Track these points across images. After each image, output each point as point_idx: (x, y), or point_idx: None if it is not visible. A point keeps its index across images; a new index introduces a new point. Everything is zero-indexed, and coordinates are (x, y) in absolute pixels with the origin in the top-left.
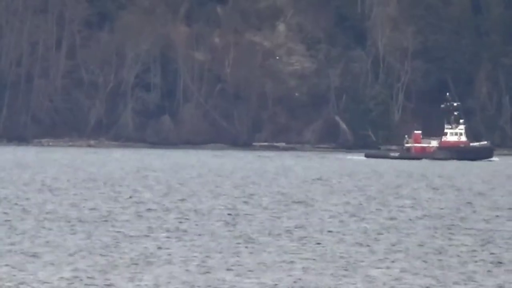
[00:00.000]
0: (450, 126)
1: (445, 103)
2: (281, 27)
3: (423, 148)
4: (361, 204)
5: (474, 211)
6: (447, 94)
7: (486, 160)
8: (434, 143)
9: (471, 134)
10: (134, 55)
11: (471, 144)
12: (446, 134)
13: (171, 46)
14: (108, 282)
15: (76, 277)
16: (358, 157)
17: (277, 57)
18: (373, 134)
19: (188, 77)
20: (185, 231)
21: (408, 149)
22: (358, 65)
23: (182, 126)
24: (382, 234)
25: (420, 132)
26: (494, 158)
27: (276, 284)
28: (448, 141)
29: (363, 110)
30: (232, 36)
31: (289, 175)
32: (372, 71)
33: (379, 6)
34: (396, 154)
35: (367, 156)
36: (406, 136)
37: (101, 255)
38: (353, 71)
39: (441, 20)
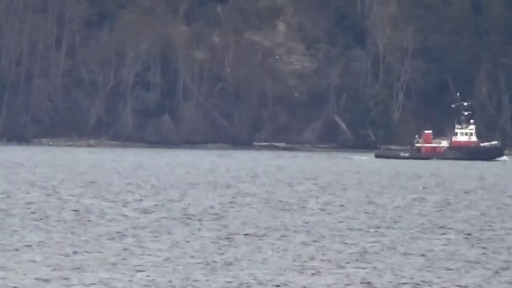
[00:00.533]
0: (460, 126)
1: (455, 103)
2: (281, 26)
3: (433, 148)
4: (348, 203)
5: (458, 211)
6: (457, 94)
7: (495, 159)
8: (444, 143)
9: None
10: (134, 55)
11: (481, 144)
12: (456, 134)
13: (171, 45)
14: (87, 281)
15: (55, 276)
16: (367, 157)
17: (277, 57)
18: (372, 133)
19: (188, 77)
20: (169, 231)
21: (418, 149)
22: (358, 65)
23: (182, 126)
24: (364, 232)
25: (430, 132)
26: (504, 158)
27: (251, 281)
28: (459, 141)
29: (363, 109)
30: (232, 35)
31: (282, 175)
32: (372, 71)
33: (379, 5)
34: (406, 154)
35: (377, 156)
36: (416, 136)
37: (81, 253)
38: (353, 70)
39: (441, 20)
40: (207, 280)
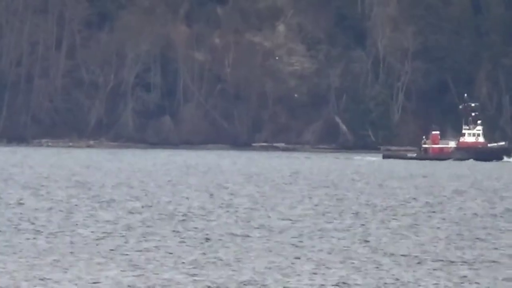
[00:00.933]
0: (468, 127)
1: (463, 104)
2: (281, 27)
3: (441, 148)
4: (338, 203)
5: (447, 211)
6: (465, 95)
7: (502, 160)
8: (452, 144)
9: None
10: (134, 55)
11: (489, 144)
12: (464, 134)
13: (171, 46)
14: (73, 282)
15: (40, 276)
16: (375, 158)
17: (277, 57)
18: (373, 134)
19: (188, 77)
20: (156, 232)
21: (426, 149)
22: (358, 65)
23: (182, 126)
24: (351, 233)
25: (438, 132)
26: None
27: (235, 282)
28: (466, 142)
29: (363, 110)
30: (232, 36)
31: (277, 175)
32: (372, 71)
33: (379, 6)
34: (414, 155)
35: (384, 157)
36: (424, 137)
37: (67, 254)
38: (353, 71)
39: (441, 20)
40: (192, 280)
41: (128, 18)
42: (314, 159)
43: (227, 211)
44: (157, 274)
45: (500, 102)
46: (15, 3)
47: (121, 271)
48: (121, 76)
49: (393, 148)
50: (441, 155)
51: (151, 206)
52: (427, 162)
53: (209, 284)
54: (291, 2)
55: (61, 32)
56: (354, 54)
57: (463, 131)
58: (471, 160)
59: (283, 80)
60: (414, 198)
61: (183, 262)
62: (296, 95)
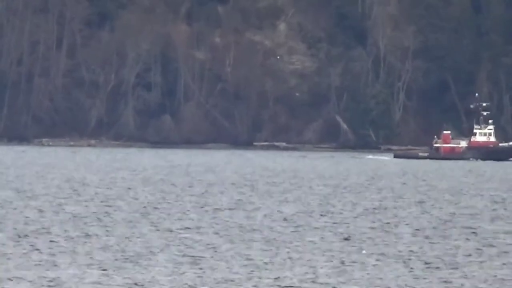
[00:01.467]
0: (479, 127)
1: (474, 104)
2: (282, 26)
3: (452, 148)
4: (322, 202)
5: (430, 210)
6: (476, 94)
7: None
8: (463, 144)
9: (471, 134)
10: (134, 55)
11: (500, 144)
12: (475, 134)
13: (171, 45)
14: (55, 280)
15: (23, 275)
16: (386, 158)
17: (278, 57)
18: (373, 133)
19: (189, 77)
20: (136, 230)
21: (437, 149)
22: (359, 65)
23: (182, 126)
24: (329, 232)
25: (449, 132)
26: None
27: (215, 280)
28: (477, 141)
29: (363, 109)
30: (232, 35)
31: (267, 174)
32: (372, 71)
33: (379, 5)
34: (425, 154)
35: (396, 156)
36: (435, 136)
37: (50, 253)
38: (353, 70)
39: (442, 19)
40: (170, 279)
41: (128, 18)
42: (313, 159)
43: (208, 211)
44: (136, 273)
45: (500, 101)
46: (15, 3)
47: (102, 270)
48: (122, 76)
49: (394, 147)
50: (453, 155)
51: (134, 205)
52: (437, 161)
53: (188, 282)
54: (291, 1)
55: (61, 32)
56: (354, 53)
57: (474, 131)
58: (491, 160)
59: (284, 79)
60: (402, 197)
61: (162, 261)
62: (296, 94)
